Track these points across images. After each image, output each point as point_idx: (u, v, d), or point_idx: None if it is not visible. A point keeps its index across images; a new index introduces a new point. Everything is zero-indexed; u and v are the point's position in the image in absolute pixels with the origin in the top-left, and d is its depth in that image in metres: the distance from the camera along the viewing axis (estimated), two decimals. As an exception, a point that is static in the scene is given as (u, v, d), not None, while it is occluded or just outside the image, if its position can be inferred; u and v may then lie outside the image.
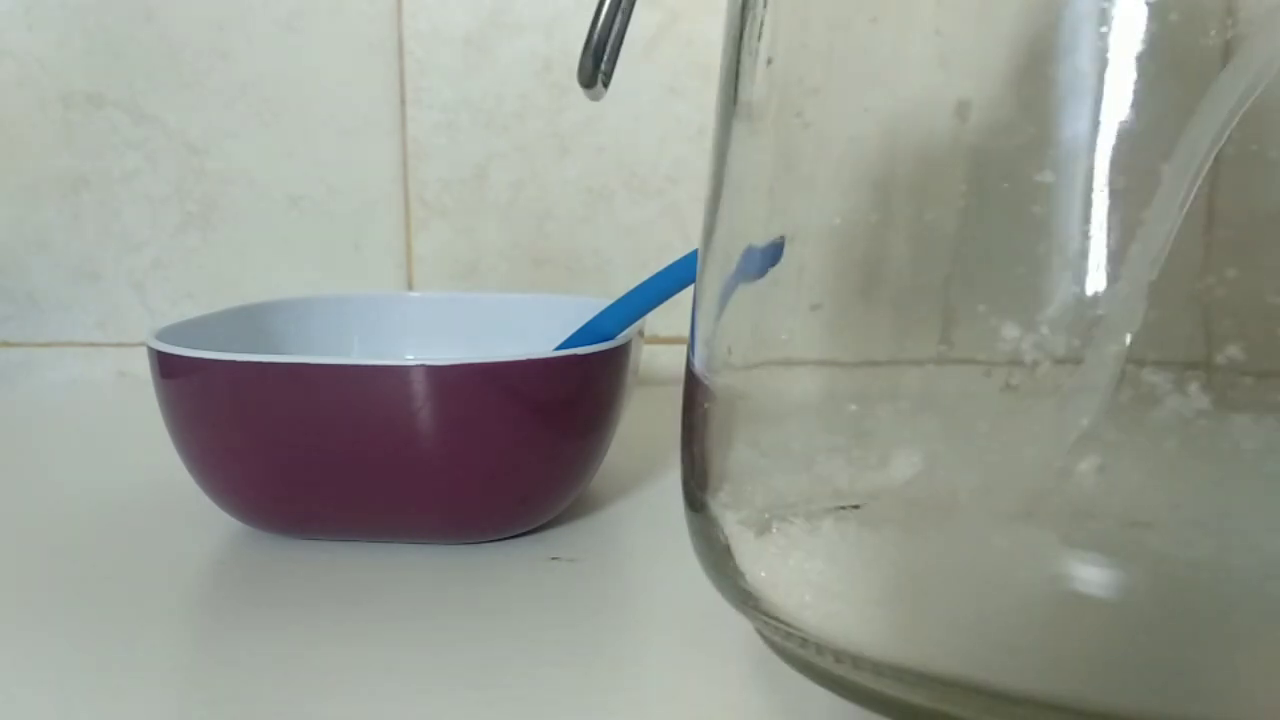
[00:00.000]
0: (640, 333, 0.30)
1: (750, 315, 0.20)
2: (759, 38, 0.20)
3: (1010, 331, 0.16)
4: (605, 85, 0.25)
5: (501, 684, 0.20)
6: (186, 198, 0.48)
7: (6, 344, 0.49)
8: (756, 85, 0.20)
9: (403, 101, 0.47)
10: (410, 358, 0.26)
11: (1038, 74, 0.16)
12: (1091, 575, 0.16)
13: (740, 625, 0.23)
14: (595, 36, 0.26)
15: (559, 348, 0.27)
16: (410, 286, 0.49)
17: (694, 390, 0.21)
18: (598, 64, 0.26)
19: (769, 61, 0.20)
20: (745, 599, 0.19)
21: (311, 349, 0.35)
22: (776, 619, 0.18)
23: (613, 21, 0.26)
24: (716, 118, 0.22)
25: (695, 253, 0.27)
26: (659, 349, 0.43)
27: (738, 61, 0.21)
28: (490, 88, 0.47)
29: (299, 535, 0.28)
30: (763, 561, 0.19)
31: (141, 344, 0.49)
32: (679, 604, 0.24)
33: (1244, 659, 0.16)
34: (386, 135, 0.48)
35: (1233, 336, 0.15)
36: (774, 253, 0.19)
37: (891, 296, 0.18)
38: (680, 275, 0.28)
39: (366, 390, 0.25)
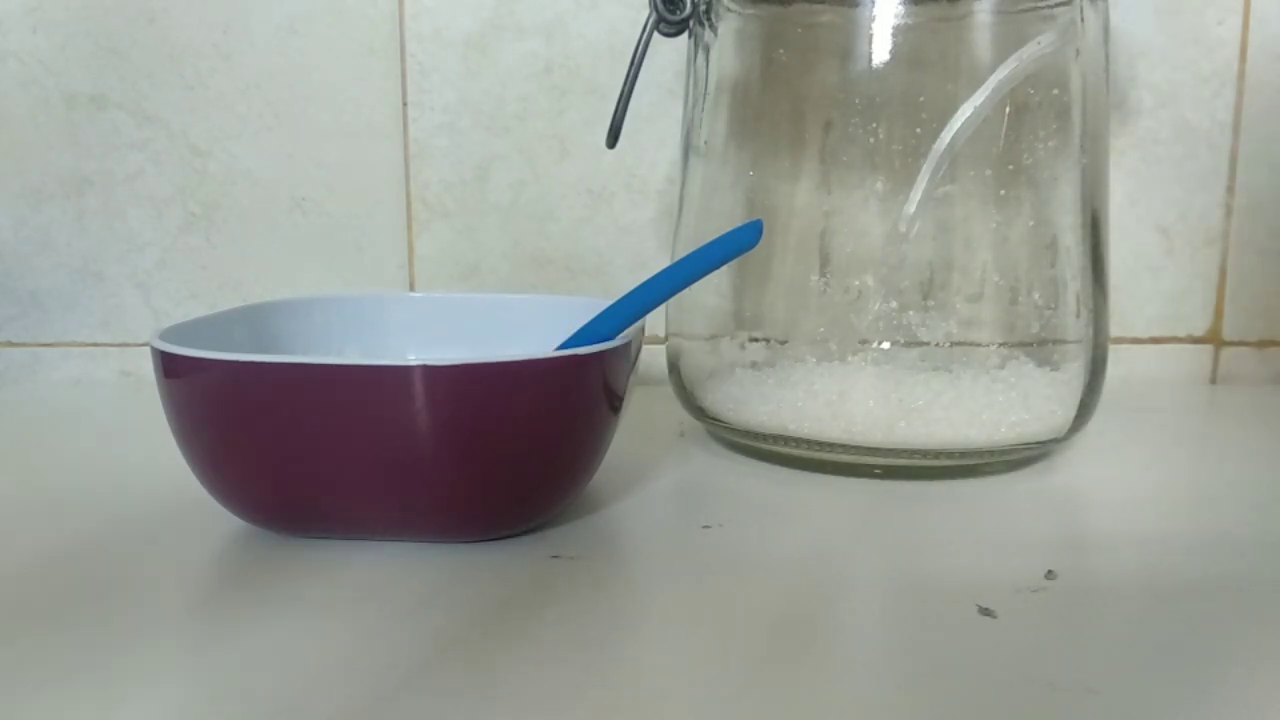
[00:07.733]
0: (640, 332, 0.30)
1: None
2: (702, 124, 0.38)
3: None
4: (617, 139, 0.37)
5: (502, 681, 0.20)
6: (189, 199, 0.48)
7: (11, 344, 0.49)
8: (703, 137, 0.38)
9: (404, 103, 0.48)
10: (410, 358, 0.26)
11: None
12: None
13: (739, 623, 0.23)
14: (617, 120, 0.37)
15: (559, 348, 0.27)
16: (412, 287, 0.49)
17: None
18: (617, 135, 0.37)
19: (706, 142, 0.38)
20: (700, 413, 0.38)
21: (313, 349, 0.35)
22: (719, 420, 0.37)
23: (626, 103, 0.36)
24: (680, 156, 0.39)
25: (694, 253, 0.28)
26: (659, 349, 0.43)
27: (689, 127, 0.38)
28: (491, 90, 0.48)
29: (301, 534, 0.28)
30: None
31: (145, 344, 0.50)
32: (678, 602, 0.25)
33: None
34: (388, 137, 0.48)
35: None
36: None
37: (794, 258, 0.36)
38: (680, 276, 0.28)
39: (367, 390, 0.25)
